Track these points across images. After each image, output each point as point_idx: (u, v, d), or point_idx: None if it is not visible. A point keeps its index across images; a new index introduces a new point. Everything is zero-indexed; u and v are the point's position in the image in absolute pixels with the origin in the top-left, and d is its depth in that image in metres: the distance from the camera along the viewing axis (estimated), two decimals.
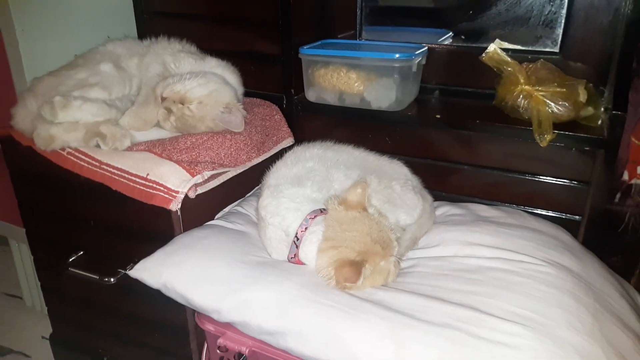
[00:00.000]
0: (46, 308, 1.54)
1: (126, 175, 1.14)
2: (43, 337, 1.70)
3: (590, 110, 1.24)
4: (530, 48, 1.38)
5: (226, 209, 1.29)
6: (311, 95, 1.46)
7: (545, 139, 1.19)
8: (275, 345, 0.94)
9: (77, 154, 1.19)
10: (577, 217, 1.30)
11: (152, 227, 1.17)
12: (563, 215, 1.31)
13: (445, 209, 1.29)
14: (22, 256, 1.82)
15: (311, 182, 1.11)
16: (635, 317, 1.00)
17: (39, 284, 1.55)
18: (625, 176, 1.35)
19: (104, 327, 1.42)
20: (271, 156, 1.39)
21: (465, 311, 0.88)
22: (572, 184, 1.29)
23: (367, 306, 0.90)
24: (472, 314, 0.88)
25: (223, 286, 0.98)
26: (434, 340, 0.83)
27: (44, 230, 1.40)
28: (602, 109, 1.25)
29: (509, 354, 0.80)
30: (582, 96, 1.23)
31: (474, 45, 1.44)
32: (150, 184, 1.12)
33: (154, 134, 1.27)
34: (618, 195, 1.37)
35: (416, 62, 1.35)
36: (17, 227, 1.68)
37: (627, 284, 1.15)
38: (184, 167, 1.13)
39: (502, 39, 1.38)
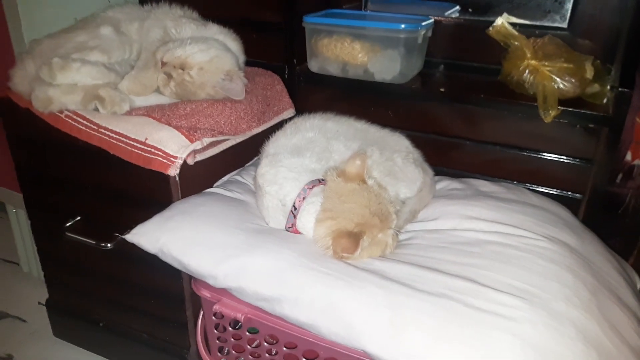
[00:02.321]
0: (43, 274, 1.54)
1: (124, 140, 1.13)
2: (39, 303, 1.70)
3: (596, 87, 1.22)
4: (538, 23, 1.35)
5: (225, 178, 1.28)
6: (314, 65, 1.44)
7: (549, 114, 1.18)
8: (270, 312, 0.93)
9: (75, 117, 1.18)
10: (578, 195, 1.29)
11: (150, 192, 1.16)
12: (564, 193, 1.30)
13: (446, 183, 1.28)
14: (20, 222, 1.82)
15: (310, 152, 1.10)
16: (632, 295, 0.99)
17: (35, 249, 1.54)
18: (628, 157, 1.34)
19: (100, 293, 1.42)
20: (271, 127, 1.37)
21: (462, 282, 0.88)
22: (574, 162, 1.28)
23: (364, 275, 0.90)
24: (469, 285, 0.87)
25: (220, 252, 0.97)
26: (430, 309, 0.82)
27: (42, 194, 1.39)
28: (609, 87, 1.23)
29: (505, 325, 0.80)
30: (589, 73, 1.21)
31: (481, 18, 1.41)
32: (149, 149, 1.10)
33: (153, 100, 1.25)
34: (620, 176, 1.36)
35: (422, 33, 1.33)
36: (15, 192, 1.67)
37: (625, 262, 1.14)
38: (183, 133, 1.12)
39: (510, 13, 1.35)
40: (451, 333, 0.80)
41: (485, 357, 0.78)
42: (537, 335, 0.80)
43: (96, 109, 1.18)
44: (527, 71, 1.23)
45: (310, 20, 1.38)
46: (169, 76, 1.22)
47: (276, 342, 1.00)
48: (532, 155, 1.31)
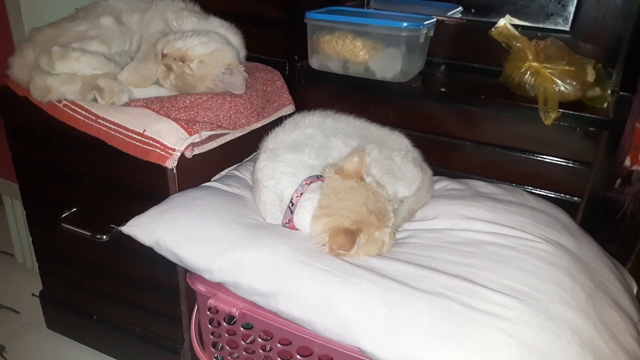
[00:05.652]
0: (37, 265, 1.53)
1: (122, 131, 1.12)
2: (33, 295, 1.70)
3: (597, 90, 1.22)
4: (540, 25, 1.36)
5: (223, 172, 1.28)
6: (315, 62, 1.44)
7: (550, 117, 1.18)
8: (265, 307, 0.93)
9: (73, 106, 1.17)
10: (576, 198, 1.29)
11: (147, 184, 1.15)
12: (562, 197, 1.30)
13: (445, 184, 1.27)
14: (15, 213, 1.81)
15: (309, 148, 1.09)
16: (628, 299, 0.99)
17: (30, 240, 1.53)
18: (627, 162, 1.34)
19: (94, 285, 1.42)
20: (270, 123, 1.36)
21: (459, 282, 0.88)
22: (574, 165, 1.27)
23: (360, 272, 0.89)
24: (466, 284, 0.87)
25: (216, 245, 0.97)
26: (426, 308, 0.82)
27: (38, 184, 1.38)
28: (609, 91, 1.23)
29: (501, 326, 0.80)
30: (590, 76, 1.21)
31: (483, 19, 1.41)
32: (147, 140, 1.09)
33: (153, 92, 1.24)
34: (618, 182, 1.36)
35: (424, 32, 1.32)
36: (11, 183, 1.66)
37: (622, 267, 1.14)
38: (181, 126, 1.11)
39: (513, 14, 1.36)
40: (446, 332, 0.80)
41: (480, 356, 0.77)
42: (532, 336, 0.79)
43: (95, 99, 1.17)
44: (528, 73, 1.23)
45: (312, 17, 1.37)
46: (169, 68, 1.21)
47: (270, 338, 0.99)
48: (531, 157, 1.31)
